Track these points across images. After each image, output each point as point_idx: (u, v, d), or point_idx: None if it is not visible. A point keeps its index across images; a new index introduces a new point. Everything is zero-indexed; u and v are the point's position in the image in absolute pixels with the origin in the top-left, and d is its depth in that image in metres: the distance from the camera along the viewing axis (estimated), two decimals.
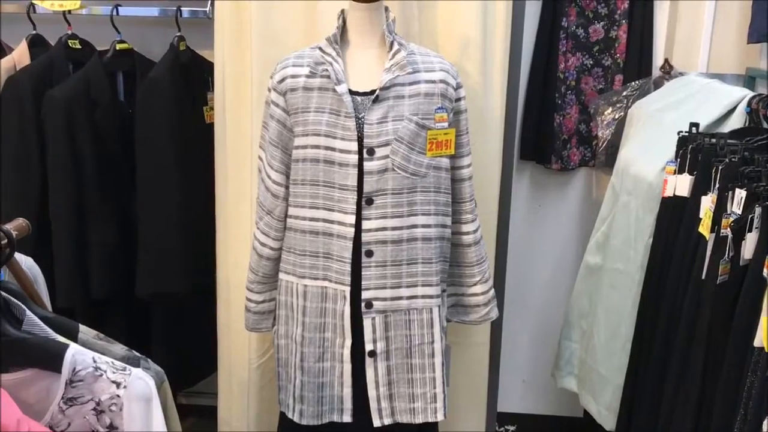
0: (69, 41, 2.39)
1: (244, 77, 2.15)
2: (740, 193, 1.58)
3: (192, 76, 2.43)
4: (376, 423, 1.88)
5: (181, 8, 2.45)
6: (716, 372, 1.60)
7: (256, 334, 2.15)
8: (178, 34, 2.41)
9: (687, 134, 1.96)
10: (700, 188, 1.79)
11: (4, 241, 1.27)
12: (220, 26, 2.16)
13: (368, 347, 1.84)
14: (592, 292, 2.36)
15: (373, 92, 1.79)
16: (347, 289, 1.82)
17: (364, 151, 1.78)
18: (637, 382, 1.99)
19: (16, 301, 1.24)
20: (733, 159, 1.69)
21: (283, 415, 1.96)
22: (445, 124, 1.84)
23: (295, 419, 1.89)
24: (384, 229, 1.80)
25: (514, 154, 2.32)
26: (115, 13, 2.42)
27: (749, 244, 1.54)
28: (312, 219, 1.83)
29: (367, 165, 1.78)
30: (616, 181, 2.31)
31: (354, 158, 1.78)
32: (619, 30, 2.65)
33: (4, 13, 2.54)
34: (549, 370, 2.63)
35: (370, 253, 1.80)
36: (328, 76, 1.79)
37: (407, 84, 1.81)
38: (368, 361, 1.85)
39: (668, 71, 2.61)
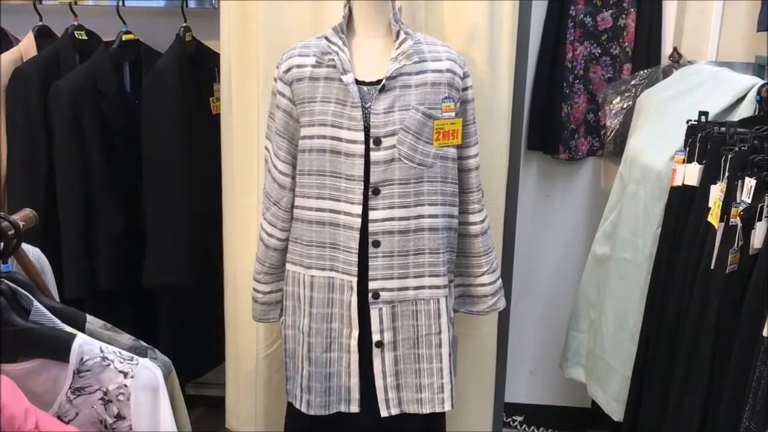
0: (75, 32, 2.39)
1: (250, 68, 2.14)
2: (750, 182, 1.57)
3: (198, 66, 2.43)
4: (384, 413, 1.88)
5: None
6: (725, 362, 1.59)
7: (264, 324, 2.16)
8: (184, 24, 2.40)
9: (696, 123, 1.94)
10: (709, 177, 1.78)
11: (11, 232, 1.27)
12: (226, 17, 2.15)
13: (375, 337, 1.84)
14: (600, 282, 2.35)
15: (379, 82, 1.79)
16: (354, 280, 1.81)
17: (371, 141, 1.77)
18: (645, 372, 1.99)
19: (23, 291, 1.24)
20: (742, 148, 1.68)
21: (290, 406, 1.96)
22: (452, 114, 1.83)
23: (303, 409, 1.89)
24: (391, 219, 1.80)
25: (521, 143, 2.31)
26: (121, 3, 2.42)
27: (759, 233, 1.52)
28: (318, 209, 1.83)
29: (374, 155, 1.78)
30: (625, 170, 2.29)
31: (360, 148, 1.77)
32: (627, 18, 2.63)
33: (11, 5, 2.54)
34: (557, 360, 2.62)
35: (377, 244, 1.80)
36: (334, 66, 1.78)
37: (414, 73, 1.80)
38: (375, 351, 1.85)
39: (677, 60, 2.59)
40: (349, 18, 1.86)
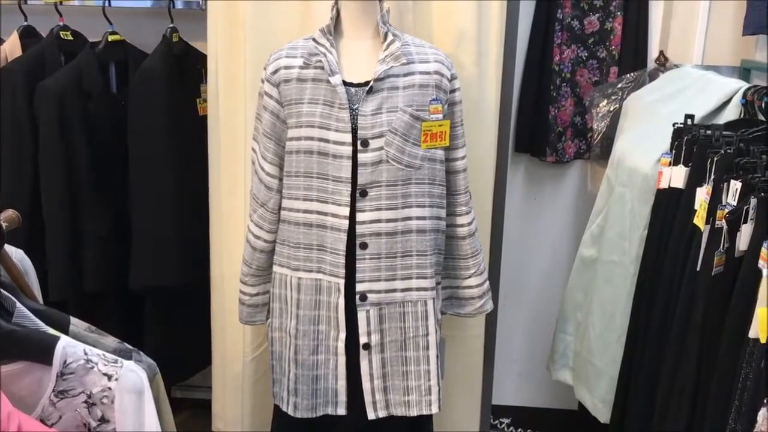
0: (61, 32, 2.37)
1: (237, 69, 2.13)
2: (735, 185, 1.58)
3: (185, 67, 2.42)
4: (371, 416, 1.87)
5: None
6: (711, 363, 1.59)
7: (251, 327, 2.15)
8: (171, 25, 2.39)
9: (682, 126, 1.95)
10: (695, 180, 1.78)
11: None
12: (213, 18, 2.14)
13: (363, 340, 1.84)
14: (587, 284, 2.36)
15: (367, 83, 1.78)
16: (341, 282, 1.81)
17: (359, 142, 1.77)
18: (632, 374, 1.99)
19: (6, 293, 1.23)
20: (728, 150, 1.69)
21: (277, 408, 1.96)
22: (440, 116, 1.83)
23: (290, 412, 1.88)
24: (378, 221, 1.80)
25: (509, 146, 2.31)
26: (107, 4, 2.40)
27: (744, 235, 1.53)
28: (306, 211, 1.82)
29: (362, 157, 1.77)
30: (611, 173, 2.30)
31: (348, 150, 1.77)
32: (614, 22, 2.64)
33: None
34: (544, 362, 2.63)
35: (364, 246, 1.80)
36: (322, 68, 1.78)
37: (402, 75, 1.80)
38: (362, 353, 1.85)
39: (663, 63, 2.61)
40: (337, 19, 1.86)
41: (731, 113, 1.99)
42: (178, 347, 2.43)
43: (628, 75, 2.60)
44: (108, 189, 2.34)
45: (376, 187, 1.78)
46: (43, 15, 2.45)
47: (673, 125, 1.98)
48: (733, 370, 1.48)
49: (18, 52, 2.38)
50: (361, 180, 1.78)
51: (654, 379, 1.84)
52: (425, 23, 2.11)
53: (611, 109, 2.59)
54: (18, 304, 1.22)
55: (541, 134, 2.70)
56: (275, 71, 1.83)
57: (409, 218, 1.82)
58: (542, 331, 2.82)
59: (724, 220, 1.57)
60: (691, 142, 1.85)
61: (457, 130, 1.91)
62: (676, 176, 1.87)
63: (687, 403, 1.67)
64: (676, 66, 2.56)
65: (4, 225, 1.27)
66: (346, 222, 1.78)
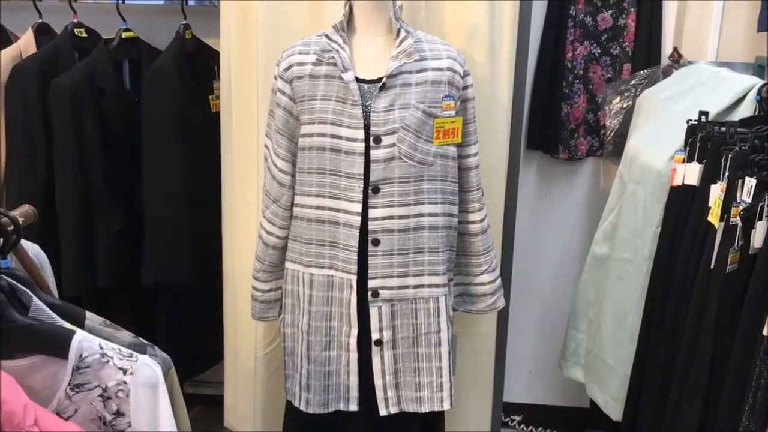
0: (75, 29, 2.39)
1: (250, 66, 2.14)
2: (750, 182, 1.57)
3: (198, 64, 2.43)
4: (383, 412, 1.87)
5: None
6: (724, 362, 1.59)
7: (263, 323, 2.16)
8: (184, 22, 2.40)
9: (696, 123, 1.94)
10: (709, 177, 1.78)
11: (11, 228, 1.26)
12: (226, 15, 2.15)
13: (375, 336, 1.84)
14: (600, 282, 2.35)
15: (379, 80, 1.78)
16: (353, 278, 1.81)
17: (371, 139, 1.77)
18: (644, 372, 1.99)
19: (22, 287, 1.24)
20: (743, 147, 1.68)
21: (289, 404, 1.96)
22: (453, 112, 1.83)
23: (302, 408, 1.89)
24: (391, 217, 1.80)
25: (521, 143, 2.31)
26: (121, 1, 2.41)
27: (759, 232, 1.52)
28: (318, 207, 1.82)
29: (374, 153, 1.77)
30: (624, 170, 2.29)
31: (360, 146, 1.77)
32: (627, 18, 2.63)
33: (11, 2, 2.54)
34: (555, 360, 2.62)
35: (376, 242, 1.80)
36: (335, 64, 1.78)
37: (414, 72, 1.80)
38: (374, 349, 1.85)
39: (677, 60, 2.59)
40: (350, 16, 1.86)
41: (746, 110, 1.98)
42: (189, 343, 2.43)
43: (641, 72, 2.58)
44: (121, 185, 2.35)
45: (388, 183, 1.78)
46: (58, 12, 2.46)
47: (687, 122, 1.97)
48: (746, 368, 1.47)
49: (33, 49, 2.39)
50: (373, 176, 1.78)
51: (667, 377, 1.83)
52: (437, 20, 2.10)
53: (624, 106, 2.57)
54: (34, 299, 1.23)
55: (553, 131, 2.69)
56: (288, 68, 1.83)
57: (422, 215, 1.82)
58: (553, 328, 2.81)
59: (738, 218, 1.57)
60: (705, 139, 1.84)
61: (470, 127, 1.91)
62: (690, 173, 1.86)
63: (700, 400, 1.66)
64: (690, 63, 2.55)
65: (20, 220, 1.28)
66: (359, 218, 1.79)
